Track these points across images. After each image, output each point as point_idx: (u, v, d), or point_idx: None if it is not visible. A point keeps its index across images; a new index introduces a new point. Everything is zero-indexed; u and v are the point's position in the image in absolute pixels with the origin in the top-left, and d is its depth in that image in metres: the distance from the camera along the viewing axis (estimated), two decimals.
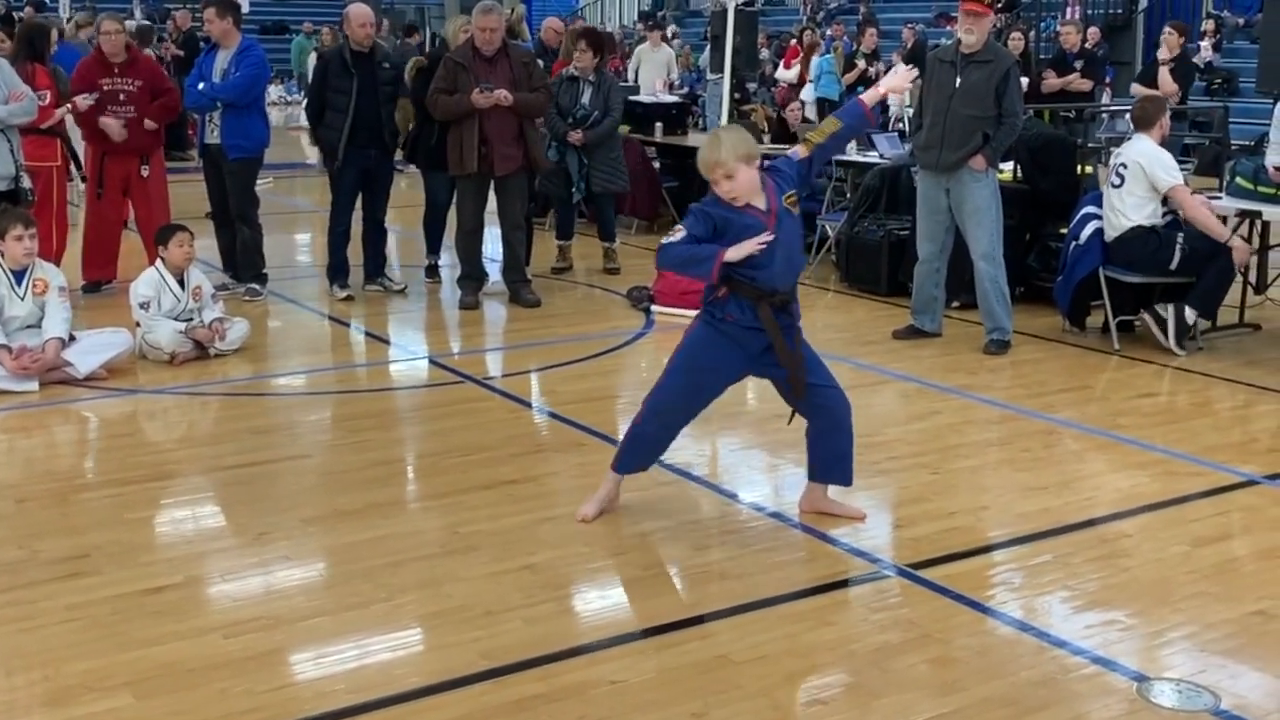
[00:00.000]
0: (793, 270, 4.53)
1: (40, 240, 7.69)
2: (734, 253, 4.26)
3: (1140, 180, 7.09)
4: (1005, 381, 6.75)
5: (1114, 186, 7.21)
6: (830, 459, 4.69)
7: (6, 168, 7.12)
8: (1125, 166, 7.17)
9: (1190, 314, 7.13)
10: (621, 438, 4.79)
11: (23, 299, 6.37)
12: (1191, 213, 7.08)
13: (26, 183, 7.24)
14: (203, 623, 3.87)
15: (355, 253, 8.62)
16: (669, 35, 19.25)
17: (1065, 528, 4.71)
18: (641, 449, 4.69)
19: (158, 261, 6.96)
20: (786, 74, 18.35)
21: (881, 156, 9.72)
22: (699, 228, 4.31)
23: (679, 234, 4.34)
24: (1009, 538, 4.64)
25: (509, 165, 7.98)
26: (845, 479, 4.73)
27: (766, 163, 4.44)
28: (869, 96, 4.77)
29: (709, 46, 14.34)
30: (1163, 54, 11.52)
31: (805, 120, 11.47)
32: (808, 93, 16.27)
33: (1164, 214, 7.19)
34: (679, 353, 4.57)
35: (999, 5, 20.34)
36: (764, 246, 4.26)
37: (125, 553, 4.37)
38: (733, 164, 4.21)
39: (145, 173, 8.41)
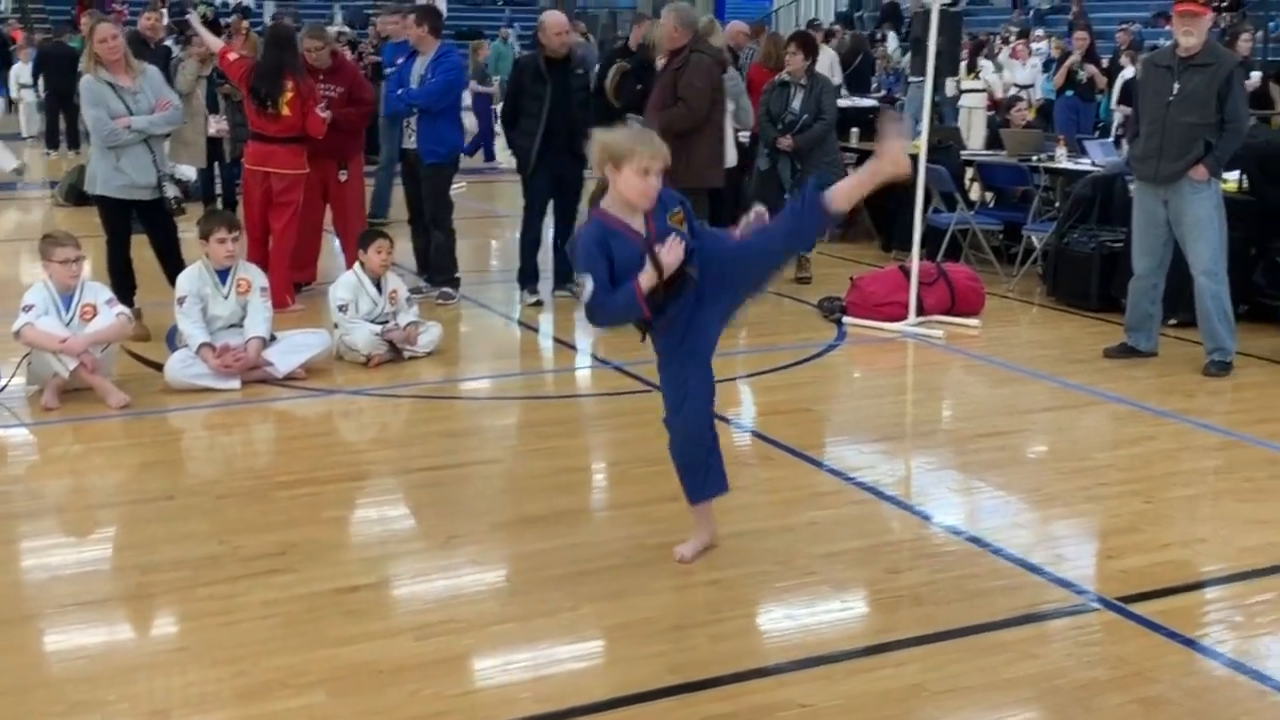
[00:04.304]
0: None
1: (254, 244, 8.00)
2: (646, 279, 3.97)
3: None
4: (1226, 406, 6.38)
5: None
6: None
7: (148, 176, 7.19)
8: None
9: None
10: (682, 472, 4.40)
11: (226, 298, 6.57)
12: None
13: (171, 191, 7.30)
14: (394, 624, 3.91)
15: (546, 259, 8.67)
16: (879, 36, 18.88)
17: None
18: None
19: (356, 265, 7.11)
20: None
21: (1094, 164, 9.30)
22: (599, 270, 3.99)
23: (588, 287, 3.99)
24: (1228, 573, 4.36)
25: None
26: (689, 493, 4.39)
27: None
28: (843, 190, 4.09)
29: (909, 48, 14.03)
30: None
31: (1029, 125, 10.98)
32: (1034, 93, 15.84)
33: None
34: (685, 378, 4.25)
35: (1222, 4, 19.38)
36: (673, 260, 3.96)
37: (321, 551, 4.44)
38: (604, 165, 4.02)
39: (343, 177, 8.61)
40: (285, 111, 7.93)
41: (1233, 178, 7.90)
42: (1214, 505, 5.05)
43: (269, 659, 3.65)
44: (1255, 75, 11.93)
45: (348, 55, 9.29)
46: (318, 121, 8.00)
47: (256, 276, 6.71)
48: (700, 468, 4.33)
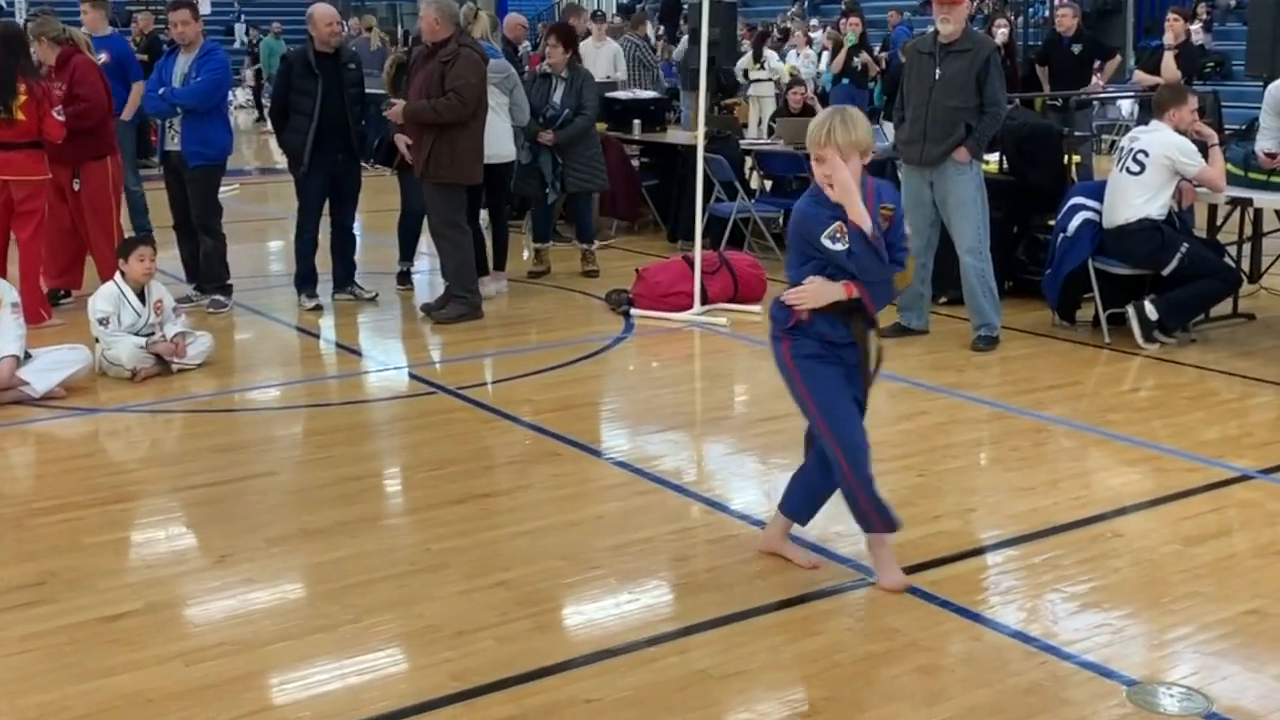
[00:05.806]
0: (889, 285, 4.05)
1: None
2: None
3: (1162, 170, 6.88)
4: (994, 379, 6.63)
5: (1131, 174, 6.97)
6: (802, 496, 4.34)
7: None
8: (1146, 154, 6.92)
9: (1152, 311, 6.97)
10: (856, 503, 4.12)
11: None
12: (1217, 183, 6.99)
13: None
14: (162, 650, 3.75)
15: (325, 261, 8.43)
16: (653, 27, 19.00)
17: (1055, 528, 4.60)
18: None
19: (117, 275, 6.76)
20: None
21: None
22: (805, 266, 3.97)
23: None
24: (997, 540, 4.53)
25: (416, 169, 7.85)
26: (802, 519, 4.36)
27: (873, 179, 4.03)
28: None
29: (687, 39, 14.17)
30: (1168, 39, 11.42)
31: (806, 110, 11.09)
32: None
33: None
34: (814, 396, 4.13)
35: None
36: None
37: (83, 579, 4.22)
38: (830, 150, 3.83)
39: (76, 186, 8.04)
40: (20, 116, 7.41)
41: (994, 159, 8.23)
42: (983, 475, 5.26)
43: (28, 696, 3.47)
44: (1002, 32, 12.49)
45: (90, 52, 8.61)
46: (55, 125, 7.48)
47: (6, 292, 6.32)
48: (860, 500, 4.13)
